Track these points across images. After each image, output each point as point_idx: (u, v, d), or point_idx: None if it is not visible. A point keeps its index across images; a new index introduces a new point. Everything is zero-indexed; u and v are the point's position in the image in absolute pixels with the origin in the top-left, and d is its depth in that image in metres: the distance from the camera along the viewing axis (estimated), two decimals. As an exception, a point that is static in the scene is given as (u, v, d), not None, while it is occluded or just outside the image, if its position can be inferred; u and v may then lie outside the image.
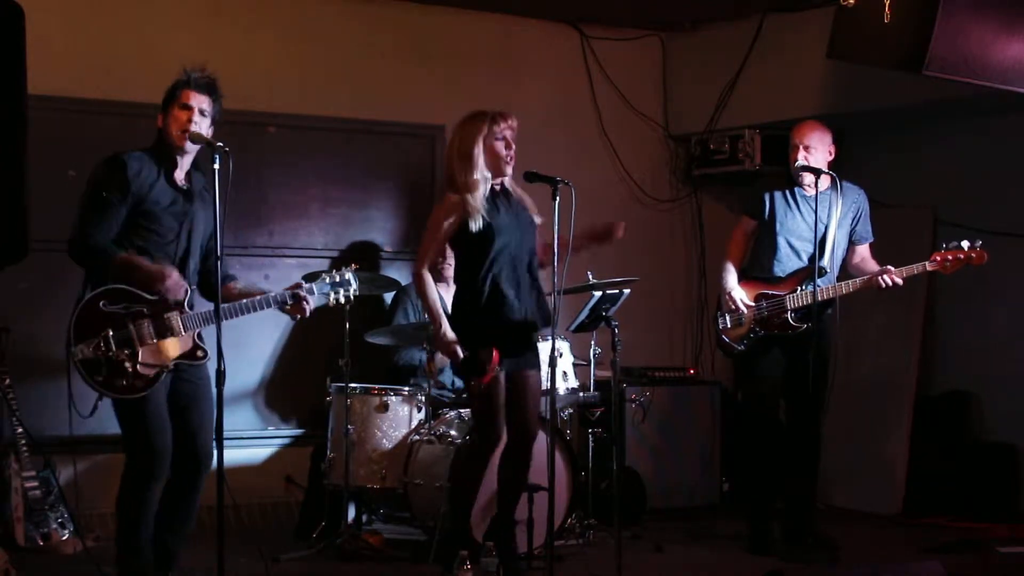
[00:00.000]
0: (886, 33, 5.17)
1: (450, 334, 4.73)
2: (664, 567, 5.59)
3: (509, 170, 4.80)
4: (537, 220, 4.89)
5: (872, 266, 5.59)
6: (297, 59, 6.61)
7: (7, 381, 5.52)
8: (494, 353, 4.64)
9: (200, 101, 4.40)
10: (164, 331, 4.31)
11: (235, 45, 6.43)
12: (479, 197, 4.69)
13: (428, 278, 4.81)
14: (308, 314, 4.51)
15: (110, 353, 4.23)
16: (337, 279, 4.69)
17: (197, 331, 4.40)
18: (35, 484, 5.50)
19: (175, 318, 4.32)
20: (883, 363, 6.97)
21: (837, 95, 6.68)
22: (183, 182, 4.46)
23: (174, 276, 4.28)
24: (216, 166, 4.05)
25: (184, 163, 4.46)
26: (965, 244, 5.39)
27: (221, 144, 4.10)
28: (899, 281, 5.42)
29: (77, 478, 5.95)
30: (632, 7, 7.14)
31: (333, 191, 6.72)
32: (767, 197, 5.67)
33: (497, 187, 4.84)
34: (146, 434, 4.30)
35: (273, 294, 4.50)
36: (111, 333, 4.23)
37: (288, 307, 4.51)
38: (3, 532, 5.42)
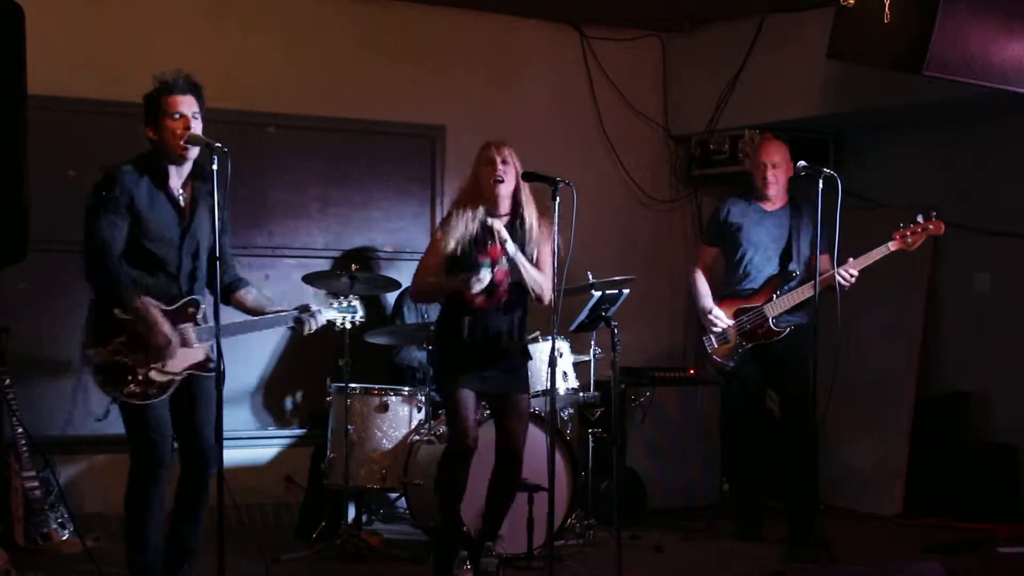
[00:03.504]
0: (886, 33, 5.17)
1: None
2: (664, 567, 5.59)
3: (502, 189, 4.88)
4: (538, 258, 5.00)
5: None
6: (297, 59, 6.61)
7: (7, 381, 5.52)
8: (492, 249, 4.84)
9: (190, 105, 4.31)
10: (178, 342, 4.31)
11: (235, 45, 6.43)
12: (456, 227, 4.86)
13: (427, 279, 5.02)
14: (306, 333, 4.53)
15: (124, 359, 4.24)
16: (345, 304, 4.77)
17: (210, 342, 4.35)
18: (35, 484, 5.50)
19: (189, 330, 4.32)
20: (883, 363, 6.97)
21: (837, 95, 6.68)
22: (181, 191, 4.39)
23: (175, 345, 4.26)
24: (215, 167, 4.04)
25: (183, 171, 4.39)
26: (920, 218, 5.48)
27: (220, 144, 4.08)
28: (854, 273, 5.48)
29: (77, 478, 5.96)
30: (632, 7, 7.14)
31: (333, 191, 6.72)
32: (728, 215, 5.86)
33: (503, 219, 4.93)
34: (147, 438, 4.32)
35: (283, 314, 4.50)
36: (126, 339, 4.23)
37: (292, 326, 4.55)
38: (3, 532, 5.42)
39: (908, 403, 6.87)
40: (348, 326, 4.85)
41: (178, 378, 4.31)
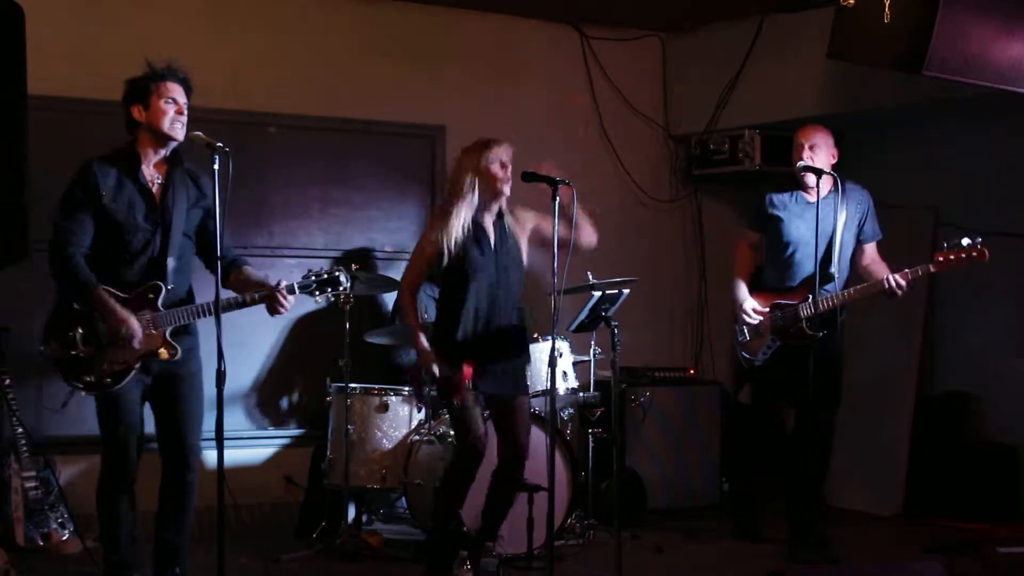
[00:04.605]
0: (886, 33, 5.17)
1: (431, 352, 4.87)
2: (664, 567, 5.59)
3: (507, 189, 4.84)
4: (525, 258, 4.96)
5: (880, 267, 5.56)
6: (297, 59, 6.61)
7: (7, 381, 5.52)
8: (465, 369, 4.76)
9: (182, 95, 4.37)
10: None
11: (235, 45, 6.43)
12: (454, 225, 4.78)
13: (412, 305, 4.97)
14: (280, 311, 4.41)
15: (75, 350, 4.30)
16: (324, 277, 4.53)
17: (167, 329, 4.37)
18: (35, 484, 5.50)
19: (145, 316, 4.33)
20: (883, 363, 6.96)
21: (837, 95, 6.68)
22: (156, 176, 4.40)
23: (134, 327, 4.26)
24: (216, 166, 4.04)
25: (158, 157, 4.41)
26: (965, 242, 5.34)
27: (221, 144, 4.08)
28: (904, 283, 5.36)
29: (77, 478, 5.95)
30: (632, 7, 7.14)
31: (333, 191, 6.72)
32: (770, 206, 5.70)
33: (491, 217, 4.89)
34: (114, 431, 4.37)
35: (253, 293, 4.42)
36: (78, 331, 4.29)
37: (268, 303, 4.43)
38: (3, 532, 5.42)
39: (908, 403, 6.87)
40: (332, 299, 4.59)
41: (135, 366, 4.32)
